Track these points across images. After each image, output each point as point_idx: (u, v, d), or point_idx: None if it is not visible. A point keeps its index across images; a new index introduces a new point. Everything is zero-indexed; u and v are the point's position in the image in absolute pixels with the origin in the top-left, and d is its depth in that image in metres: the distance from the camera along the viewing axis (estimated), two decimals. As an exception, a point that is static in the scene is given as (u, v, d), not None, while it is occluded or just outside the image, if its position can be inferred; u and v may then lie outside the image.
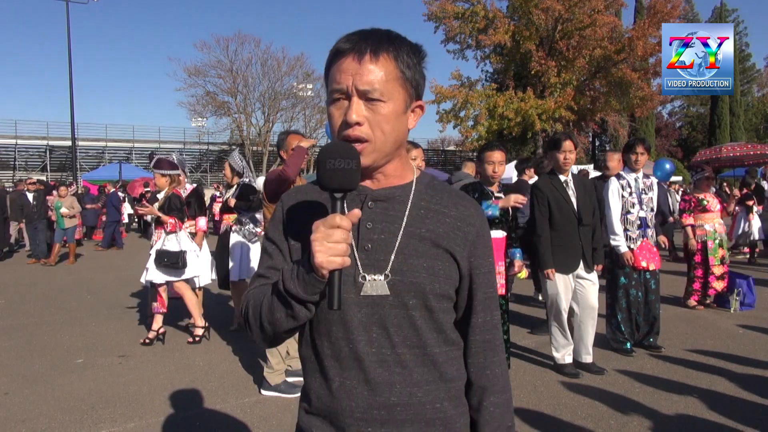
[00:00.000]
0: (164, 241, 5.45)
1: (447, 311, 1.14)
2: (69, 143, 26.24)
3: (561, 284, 4.37)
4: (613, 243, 4.88)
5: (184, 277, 5.48)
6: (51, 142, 32.34)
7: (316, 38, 73.55)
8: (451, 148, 43.62)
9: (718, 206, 6.79)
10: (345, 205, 1.01)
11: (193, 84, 36.91)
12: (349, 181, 1.00)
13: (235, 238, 5.82)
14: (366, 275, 1.08)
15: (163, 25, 72.74)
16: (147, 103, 78.68)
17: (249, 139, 37.30)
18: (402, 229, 1.10)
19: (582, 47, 30.03)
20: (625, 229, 4.89)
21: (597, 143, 38.33)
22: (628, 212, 4.90)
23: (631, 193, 4.91)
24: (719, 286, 6.53)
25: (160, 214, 5.45)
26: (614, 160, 6.38)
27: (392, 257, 1.08)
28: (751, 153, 13.17)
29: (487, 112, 30.34)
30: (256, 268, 6.00)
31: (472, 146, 30.11)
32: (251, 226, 5.84)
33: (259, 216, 5.86)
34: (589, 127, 32.94)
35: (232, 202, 5.83)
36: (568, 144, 4.35)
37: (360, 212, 1.02)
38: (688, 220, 6.69)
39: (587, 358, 4.50)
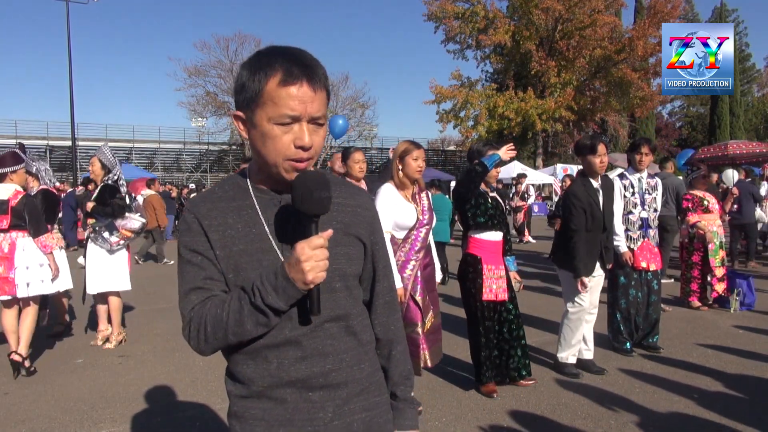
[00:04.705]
0: None
1: (358, 286, 1.34)
2: (69, 143, 26.24)
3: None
4: (613, 242, 4.86)
5: None
6: (51, 142, 32.33)
7: (316, 38, 73.57)
8: (451, 148, 43.59)
9: (717, 207, 6.78)
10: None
11: (193, 84, 36.96)
12: (328, 207, 1.18)
13: (91, 247, 5.33)
14: None
15: (163, 25, 72.76)
16: (147, 103, 78.72)
17: (249, 139, 37.25)
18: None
19: (582, 47, 30.05)
20: (626, 229, 4.89)
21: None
22: (630, 212, 4.90)
23: (633, 194, 4.91)
24: (721, 288, 6.52)
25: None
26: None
27: None
28: (757, 151, 12.76)
29: (487, 112, 30.35)
30: (115, 281, 5.22)
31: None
32: (106, 234, 5.26)
33: (120, 222, 5.31)
34: (589, 127, 32.95)
35: (90, 206, 5.26)
36: (602, 147, 4.29)
37: (332, 231, 1.17)
38: (695, 217, 6.60)
39: (587, 354, 4.50)
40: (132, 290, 5.76)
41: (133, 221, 5.41)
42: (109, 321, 5.56)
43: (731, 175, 9.18)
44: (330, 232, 1.16)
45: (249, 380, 1.24)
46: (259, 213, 1.24)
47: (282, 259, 1.20)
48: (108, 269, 5.34)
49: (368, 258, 1.35)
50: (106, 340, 5.52)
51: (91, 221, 5.38)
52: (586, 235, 4.30)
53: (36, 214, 4.76)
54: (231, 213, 1.24)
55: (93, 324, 6.36)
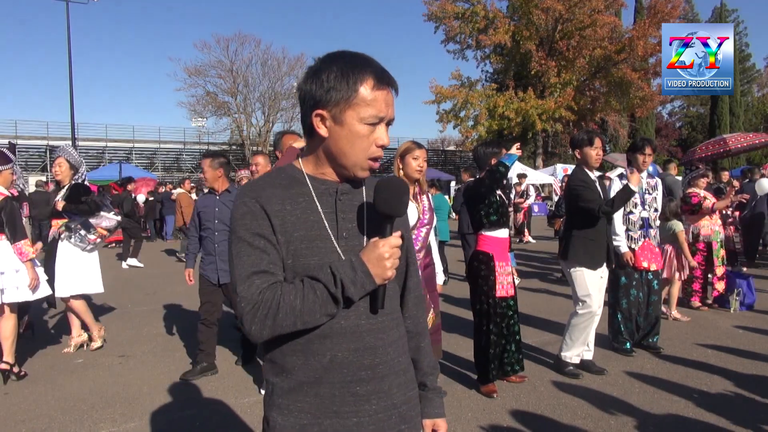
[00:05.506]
0: None
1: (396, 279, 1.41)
2: (69, 143, 26.26)
3: (594, 284, 4.35)
4: (613, 243, 4.85)
5: None
6: (51, 142, 32.29)
7: (316, 38, 73.62)
8: (451, 148, 43.61)
9: None
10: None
11: (193, 84, 36.98)
12: (406, 210, 1.32)
13: (64, 246, 5.13)
14: None
15: (163, 25, 72.68)
16: (147, 103, 78.59)
17: (249, 139, 37.31)
18: (365, 215, 1.32)
19: (582, 47, 30.03)
20: (627, 229, 4.88)
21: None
22: (630, 212, 4.89)
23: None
24: (721, 287, 6.55)
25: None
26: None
27: (364, 241, 1.30)
28: (756, 141, 12.41)
29: (487, 112, 30.33)
30: (86, 283, 4.99)
31: (472, 146, 30.14)
32: (83, 232, 5.13)
33: (94, 220, 5.20)
34: (589, 126, 32.97)
35: (61, 205, 5.12)
36: (598, 140, 4.44)
37: (401, 232, 1.28)
38: (709, 202, 6.51)
39: (588, 354, 4.49)
40: (132, 290, 5.77)
41: (108, 219, 5.30)
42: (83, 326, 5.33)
43: (766, 185, 8.82)
44: (400, 232, 1.26)
45: (299, 372, 1.27)
46: (316, 201, 1.29)
47: (337, 246, 1.27)
48: (80, 271, 5.15)
49: (404, 253, 1.39)
50: (81, 346, 5.33)
51: (62, 221, 5.17)
52: (589, 225, 4.33)
53: (15, 219, 4.51)
54: (288, 200, 1.28)
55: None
